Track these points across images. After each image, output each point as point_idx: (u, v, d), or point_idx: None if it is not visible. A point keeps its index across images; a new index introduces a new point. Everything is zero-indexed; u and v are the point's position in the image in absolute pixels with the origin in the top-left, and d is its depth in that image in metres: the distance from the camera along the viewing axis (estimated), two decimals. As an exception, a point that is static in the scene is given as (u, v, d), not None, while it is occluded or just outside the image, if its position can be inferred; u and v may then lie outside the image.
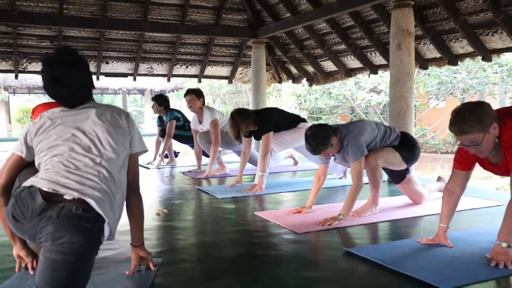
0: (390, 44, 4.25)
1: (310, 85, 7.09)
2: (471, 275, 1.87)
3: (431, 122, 11.65)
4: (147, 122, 17.76)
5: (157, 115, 5.74)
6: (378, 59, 5.55)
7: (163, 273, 2.00)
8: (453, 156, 2.29)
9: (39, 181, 1.56)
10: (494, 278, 1.86)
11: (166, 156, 5.72)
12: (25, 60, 6.12)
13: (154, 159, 5.72)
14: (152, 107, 5.52)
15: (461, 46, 4.61)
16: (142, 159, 4.70)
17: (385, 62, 5.34)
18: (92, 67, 6.45)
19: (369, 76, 9.88)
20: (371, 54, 5.59)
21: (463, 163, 2.20)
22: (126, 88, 15.59)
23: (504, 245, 1.96)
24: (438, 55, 4.85)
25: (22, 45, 5.96)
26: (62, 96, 1.73)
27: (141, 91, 17.26)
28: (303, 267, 2.10)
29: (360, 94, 10.54)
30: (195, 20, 6.24)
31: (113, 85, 14.88)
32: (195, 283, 1.93)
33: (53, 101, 1.79)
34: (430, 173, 9.32)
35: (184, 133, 5.45)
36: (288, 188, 4.01)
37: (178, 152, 6.20)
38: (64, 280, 1.46)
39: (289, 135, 4.14)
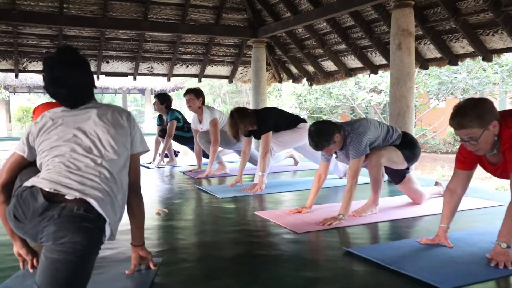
0: (390, 44, 4.25)
1: (310, 85, 7.09)
2: (471, 275, 1.87)
3: (431, 122, 11.66)
4: (147, 121, 17.76)
5: (157, 114, 5.74)
6: (378, 59, 5.55)
7: (163, 272, 2.00)
8: (453, 156, 2.29)
9: (41, 181, 1.57)
10: (494, 278, 1.87)
11: (166, 156, 5.72)
12: (25, 59, 6.12)
13: (154, 159, 5.72)
14: (154, 104, 5.51)
15: (461, 46, 4.61)
16: (143, 159, 4.68)
17: (386, 62, 5.34)
18: (93, 67, 6.45)
19: (369, 76, 9.88)
20: (371, 54, 5.59)
21: (464, 162, 2.19)
22: (126, 87, 15.60)
23: (504, 245, 1.96)
24: (439, 55, 4.85)
25: (22, 44, 5.97)
26: (63, 96, 1.73)
27: (141, 91, 17.26)
28: (303, 267, 2.10)
29: (360, 94, 10.54)
30: (196, 19, 6.24)
31: (113, 84, 14.89)
32: (195, 282, 1.93)
33: (54, 100, 1.79)
34: (430, 173, 9.32)
35: (183, 134, 5.45)
36: (288, 188, 4.01)
37: (178, 152, 6.20)
38: (65, 279, 1.46)
39: (289, 135, 4.14)
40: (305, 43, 6.38)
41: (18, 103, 20.93)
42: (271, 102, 11.91)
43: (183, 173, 5.01)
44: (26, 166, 1.76)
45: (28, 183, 1.58)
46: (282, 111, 4.44)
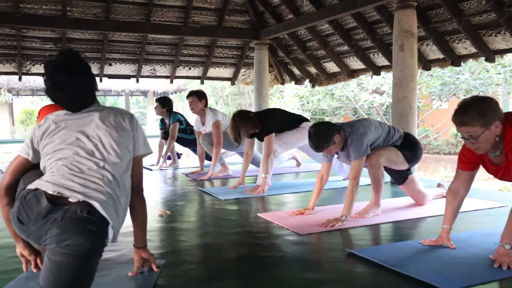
0: (393, 45, 4.25)
1: (313, 86, 7.09)
2: (474, 277, 1.86)
3: (434, 123, 11.63)
4: (150, 123, 17.79)
5: (159, 117, 5.75)
6: (381, 60, 5.55)
7: (165, 274, 2.00)
8: (456, 157, 2.28)
9: (44, 184, 1.57)
10: (497, 279, 1.86)
11: (169, 158, 5.73)
12: (28, 62, 6.15)
13: (158, 162, 5.73)
14: (155, 108, 5.53)
15: (464, 47, 4.61)
16: (146, 161, 4.71)
17: (388, 63, 5.34)
18: (95, 69, 6.48)
19: (371, 77, 9.87)
20: (373, 55, 5.59)
21: (466, 162, 2.18)
22: (129, 89, 15.62)
23: (508, 247, 1.96)
24: (441, 56, 4.85)
25: (25, 47, 6.00)
26: (64, 101, 1.74)
27: (144, 93, 17.28)
28: (305, 268, 2.10)
29: (362, 95, 10.53)
30: (198, 22, 6.26)
31: (116, 86, 14.90)
32: (197, 284, 1.93)
33: (57, 103, 1.80)
34: (433, 174, 9.30)
35: (186, 136, 5.46)
36: (291, 190, 4.01)
37: (181, 154, 6.21)
38: (68, 282, 1.47)
39: (292, 135, 4.13)
40: (308, 44, 6.39)
41: (21, 105, 20.98)
42: (273, 103, 11.92)
43: (186, 175, 5.02)
44: (30, 168, 1.76)
45: (32, 186, 1.59)
46: (284, 111, 4.43)
